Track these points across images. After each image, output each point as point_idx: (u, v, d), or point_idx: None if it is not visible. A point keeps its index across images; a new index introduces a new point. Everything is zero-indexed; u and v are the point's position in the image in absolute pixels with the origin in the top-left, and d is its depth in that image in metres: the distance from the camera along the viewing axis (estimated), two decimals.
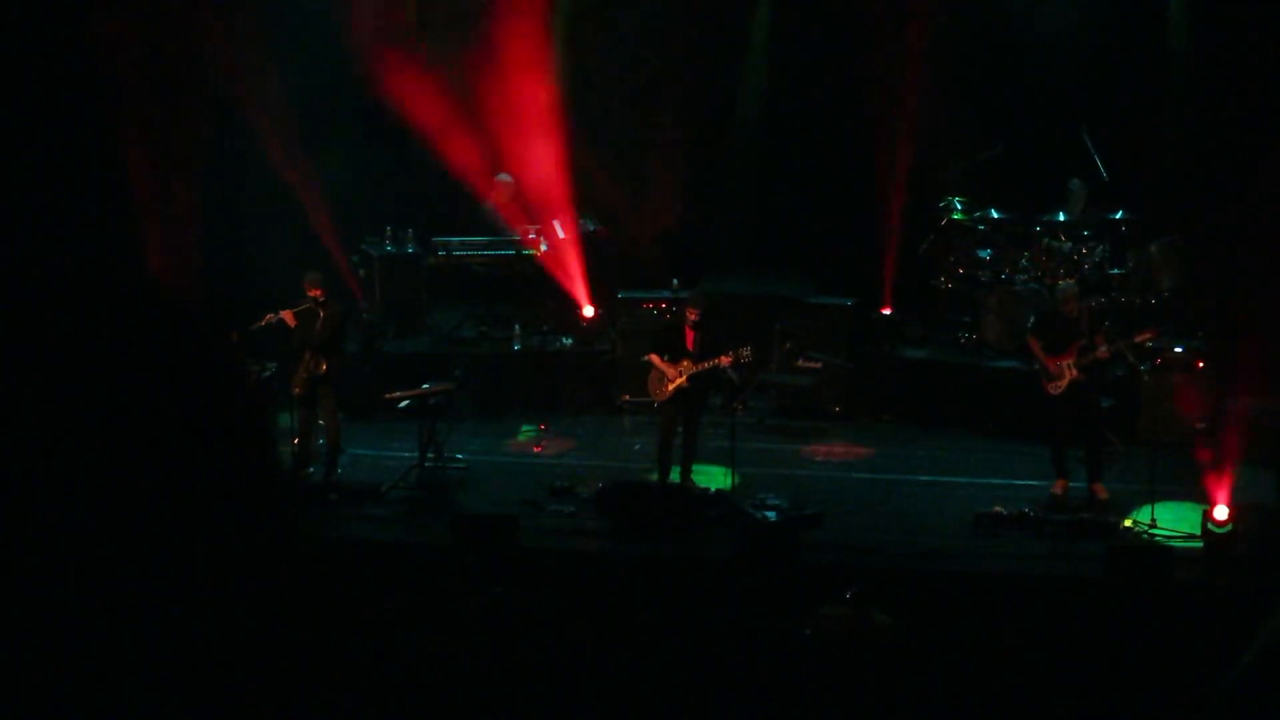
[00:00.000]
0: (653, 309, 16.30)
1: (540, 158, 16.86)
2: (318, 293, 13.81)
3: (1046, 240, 15.87)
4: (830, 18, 17.55)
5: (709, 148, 18.40)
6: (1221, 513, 12.04)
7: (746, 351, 13.36)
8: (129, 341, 1.23)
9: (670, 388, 13.44)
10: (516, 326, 16.57)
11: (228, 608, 1.23)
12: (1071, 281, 14.20)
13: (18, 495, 1.16)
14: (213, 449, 1.25)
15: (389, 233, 16.92)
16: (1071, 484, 13.31)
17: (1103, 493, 13.15)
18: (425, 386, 14.03)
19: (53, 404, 1.18)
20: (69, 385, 1.19)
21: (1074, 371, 13.09)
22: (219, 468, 1.25)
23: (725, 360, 13.26)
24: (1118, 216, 15.76)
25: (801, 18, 17.74)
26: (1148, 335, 13.75)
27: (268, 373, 13.99)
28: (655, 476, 13.69)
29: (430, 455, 13.69)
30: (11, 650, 1.16)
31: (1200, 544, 12.13)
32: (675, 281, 16.53)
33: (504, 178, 17.23)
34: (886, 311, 16.63)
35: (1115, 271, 15.59)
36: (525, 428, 15.71)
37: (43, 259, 1.24)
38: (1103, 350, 13.16)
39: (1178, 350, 14.71)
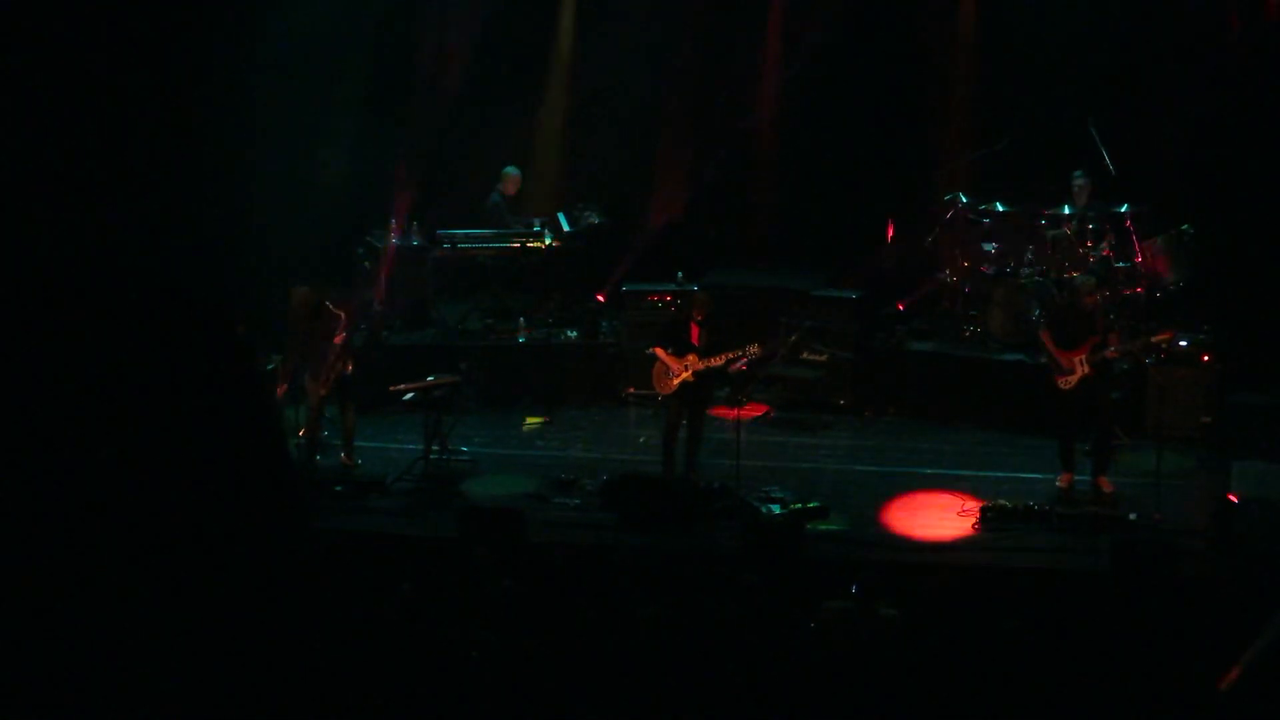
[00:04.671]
0: (657, 301, 16.28)
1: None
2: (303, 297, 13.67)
3: (1052, 233, 15.85)
4: (840, 12, 17.51)
5: (716, 140, 18.36)
6: None
7: (754, 349, 13.33)
8: (139, 335, 1.24)
9: (675, 382, 13.42)
10: (522, 319, 16.57)
11: (236, 597, 1.23)
12: (1089, 275, 14.13)
13: (29, 486, 1.17)
14: (223, 440, 1.25)
15: (394, 225, 16.90)
16: (1076, 477, 13.31)
17: (1108, 486, 13.15)
18: (430, 379, 14.02)
19: (64, 396, 1.18)
20: (81, 378, 1.19)
21: (1086, 367, 13.06)
22: (229, 458, 1.25)
23: (731, 356, 13.23)
24: (1123, 209, 15.73)
25: (813, 11, 17.70)
26: (1165, 335, 13.70)
27: (271, 365, 13.99)
28: (660, 470, 13.68)
29: (435, 448, 13.70)
30: (22, 643, 1.16)
31: None
32: (680, 274, 16.51)
33: (511, 170, 17.22)
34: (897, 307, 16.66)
35: (1121, 265, 15.55)
36: (530, 420, 15.71)
37: (52, 257, 1.25)
38: (1111, 350, 13.13)
39: (1183, 344, 14.67)
